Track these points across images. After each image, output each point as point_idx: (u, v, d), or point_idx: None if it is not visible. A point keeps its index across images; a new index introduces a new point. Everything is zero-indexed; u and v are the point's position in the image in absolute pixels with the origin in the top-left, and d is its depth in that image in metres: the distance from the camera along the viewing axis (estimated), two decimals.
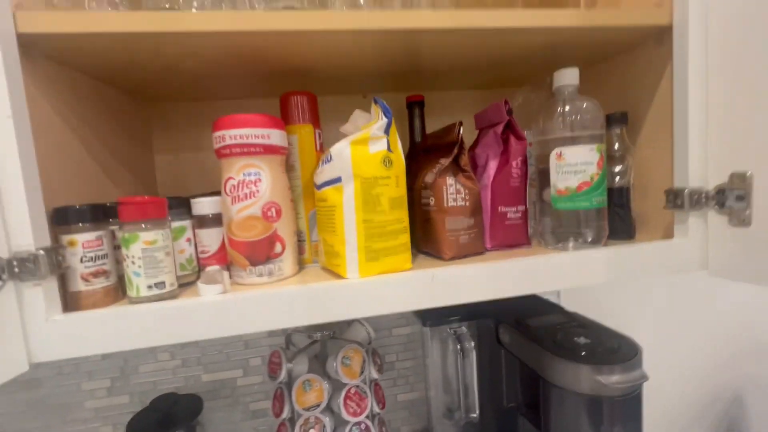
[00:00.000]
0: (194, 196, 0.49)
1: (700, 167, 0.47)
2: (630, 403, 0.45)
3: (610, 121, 0.55)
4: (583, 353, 0.47)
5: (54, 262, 0.37)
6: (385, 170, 0.43)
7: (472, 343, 0.61)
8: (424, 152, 0.58)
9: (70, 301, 0.40)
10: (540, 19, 0.47)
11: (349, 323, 0.67)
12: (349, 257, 0.43)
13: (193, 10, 0.42)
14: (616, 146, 0.55)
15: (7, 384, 0.50)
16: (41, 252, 0.36)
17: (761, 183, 0.42)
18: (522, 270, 0.46)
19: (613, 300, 0.88)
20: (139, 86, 0.58)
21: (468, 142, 0.53)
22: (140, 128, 0.64)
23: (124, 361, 0.69)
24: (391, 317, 0.77)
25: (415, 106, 0.66)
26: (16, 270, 0.35)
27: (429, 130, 0.68)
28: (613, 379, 0.44)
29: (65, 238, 0.39)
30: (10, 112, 0.34)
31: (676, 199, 0.49)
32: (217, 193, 0.48)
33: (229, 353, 0.72)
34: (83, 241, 0.40)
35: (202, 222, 0.48)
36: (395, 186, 0.44)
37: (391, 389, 0.78)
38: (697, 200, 0.47)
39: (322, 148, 0.54)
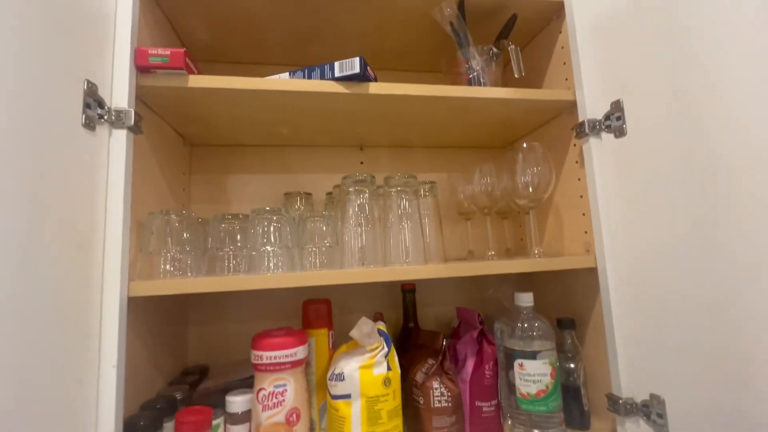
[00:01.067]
0: (227, 386, 0.60)
1: (629, 381, 0.61)
2: None
3: (561, 324, 0.70)
4: None
5: None
6: (385, 389, 0.56)
7: None
8: (416, 347, 0.71)
9: None
10: (508, 266, 0.64)
11: None
12: None
13: (243, 263, 0.58)
14: (568, 346, 0.69)
15: None
16: None
17: (672, 406, 0.55)
18: None
19: None
20: None
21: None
22: (180, 312, 0.77)
23: None
24: None
25: (408, 292, 0.81)
26: None
27: (420, 306, 0.83)
28: None
29: None
30: (116, 363, 0.47)
31: (614, 404, 0.61)
32: (245, 382, 0.59)
33: None
34: None
35: (234, 419, 0.58)
36: (392, 399, 0.56)
37: None
38: (629, 410, 0.60)
39: (334, 347, 0.67)
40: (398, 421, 0.56)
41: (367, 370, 0.56)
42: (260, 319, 0.82)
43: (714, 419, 0.48)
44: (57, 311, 0.41)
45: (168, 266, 0.57)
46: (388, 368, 0.57)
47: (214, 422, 0.57)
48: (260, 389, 0.56)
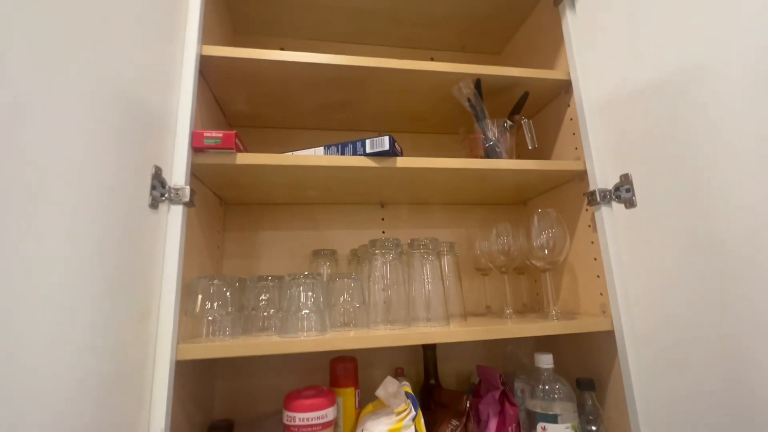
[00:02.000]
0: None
1: None
2: None
3: (581, 385, 0.71)
4: None
5: None
6: None
7: None
8: (438, 406, 0.73)
9: None
10: (524, 330, 0.67)
11: None
12: None
13: (273, 327, 0.62)
14: (588, 408, 0.70)
15: None
16: None
17: None
18: None
19: None
20: None
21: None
22: (208, 369, 0.80)
23: None
24: None
25: (429, 349, 0.83)
26: None
27: (440, 362, 0.85)
28: None
29: None
30: (163, 427, 0.50)
31: None
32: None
33: None
34: None
35: None
36: None
37: None
38: None
39: (360, 405, 0.69)
40: None
41: None
42: (286, 373, 0.84)
43: None
44: (121, 377, 0.45)
45: (210, 328, 0.61)
46: (416, 431, 0.59)
47: None
48: None
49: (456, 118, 0.89)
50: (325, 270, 0.82)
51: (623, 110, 0.68)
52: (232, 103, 0.85)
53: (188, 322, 0.61)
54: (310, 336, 0.60)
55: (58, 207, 0.35)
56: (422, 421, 0.61)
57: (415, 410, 0.60)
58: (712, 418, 0.52)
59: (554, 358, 0.68)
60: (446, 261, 0.79)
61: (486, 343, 0.94)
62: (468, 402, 0.66)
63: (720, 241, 0.51)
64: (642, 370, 0.64)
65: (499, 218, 1.02)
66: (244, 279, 0.71)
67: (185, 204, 0.58)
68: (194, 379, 0.70)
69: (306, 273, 0.65)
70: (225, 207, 0.91)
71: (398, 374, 0.83)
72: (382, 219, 0.98)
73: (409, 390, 0.63)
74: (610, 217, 0.70)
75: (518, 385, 0.75)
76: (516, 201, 1.04)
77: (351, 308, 0.68)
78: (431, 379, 0.81)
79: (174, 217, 0.57)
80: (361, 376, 0.74)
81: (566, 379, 0.68)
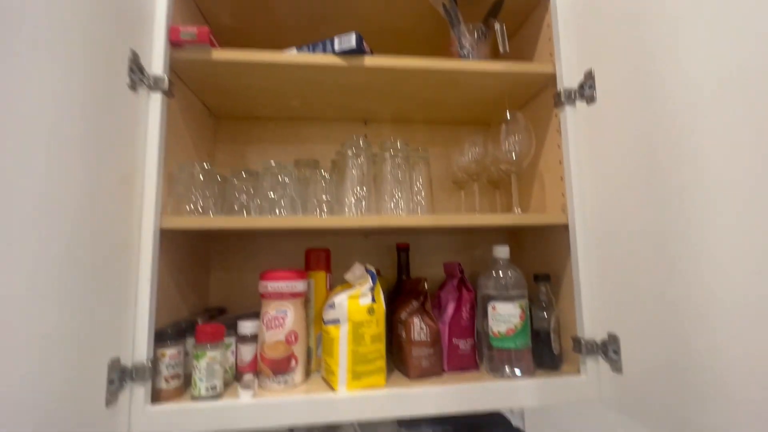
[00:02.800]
0: (239, 317, 0.72)
1: (591, 323, 0.67)
2: None
3: (538, 279, 0.76)
4: None
5: (152, 370, 0.59)
6: (369, 316, 0.65)
7: None
8: (404, 294, 0.80)
9: (155, 395, 0.60)
10: (487, 219, 0.72)
11: (341, 425, 0.83)
12: (340, 376, 0.63)
13: (253, 210, 0.69)
14: (543, 298, 0.76)
15: None
16: (149, 363, 0.57)
17: (626, 343, 0.61)
18: (459, 393, 0.64)
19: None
20: (212, 234, 0.84)
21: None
22: (204, 255, 0.89)
23: None
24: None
25: (402, 251, 0.90)
26: (134, 375, 0.56)
27: (413, 266, 0.91)
28: None
29: (159, 351, 0.61)
30: (149, 277, 0.59)
31: (578, 345, 0.68)
32: (254, 314, 0.70)
33: None
34: (170, 354, 0.62)
35: (243, 339, 0.69)
36: (375, 326, 0.65)
37: None
38: (590, 349, 0.66)
39: (331, 287, 0.76)
40: (380, 346, 0.65)
41: (354, 300, 0.65)
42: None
43: (662, 356, 0.54)
44: (110, 235, 0.53)
45: (192, 207, 0.69)
46: (373, 300, 0.66)
47: (228, 340, 0.68)
48: (265, 313, 0.67)
49: (440, 35, 0.90)
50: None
51: (593, 9, 0.68)
52: (216, 15, 0.88)
53: (177, 206, 0.68)
54: (285, 216, 0.67)
55: (38, 81, 0.41)
56: (381, 293, 0.68)
57: (373, 282, 0.66)
58: (646, 300, 0.56)
59: (519, 260, 0.74)
60: (418, 167, 0.84)
61: (457, 248, 1.00)
62: (425, 283, 0.72)
63: (670, 142, 0.52)
64: (590, 266, 0.69)
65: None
66: (225, 176, 0.78)
67: (164, 93, 0.64)
68: (188, 263, 0.79)
69: (277, 161, 0.70)
70: (216, 120, 0.97)
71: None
72: (365, 135, 1.02)
73: (372, 268, 0.69)
74: (574, 116, 0.72)
75: (481, 280, 0.81)
76: (497, 122, 1.05)
77: (324, 203, 0.74)
78: (403, 277, 0.88)
79: (154, 103, 0.63)
80: (338, 276, 0.81)
81: (527, 275, 0.73)
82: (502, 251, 0.73)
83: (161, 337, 0.62)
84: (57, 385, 0.45)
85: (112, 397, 0.53)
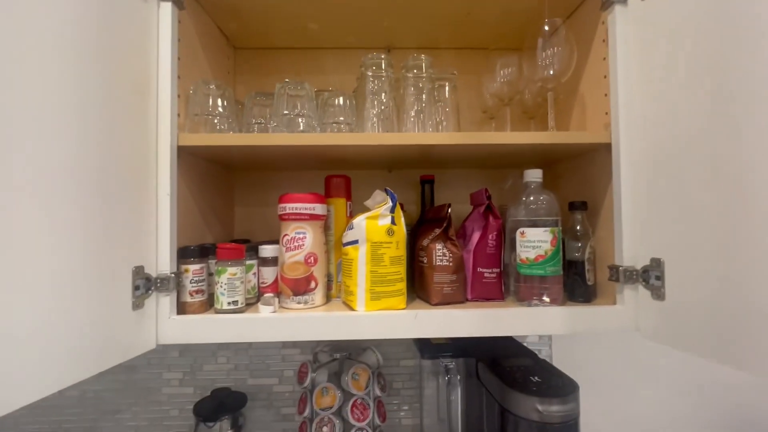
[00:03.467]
0: (261, 243, 0.72)
1: (632, 250, 0.62)
2: (567, 429, 0.57)
3: (573, 207, 0.71)
4: (532, 388, 0.60)
5: (176, 282, 0.60)
6: (388, 237, 0.62)
7: (458, 377, 0.75)
8: (426, 222, 0.76)
9: (180, 308, 0.62)
10: (519, 138, 0.66)
11: (363, 349, 0.84)
12: (359, 296, 0.62)
13: (270, 131, 0.67)
14: (578, 227, 0.70)
15: (114, 367, 0.73)
16: (172, 275, 0.59)
17: (671, 267, 0.56)
18: (482, 317, 0.61)
19: (604, 363, 0.97)
20: (232, 164, 0.84)
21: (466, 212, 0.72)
22: (227, 189, 0.90)
23: (194, 360, 0.91)
24: (399, 350, 0.93)
25: (426, 183, 0.86)
26: (159, 285, 0.58)
27: (438, 200, 0.87)
28: (552, 409, 0.57)
29: (183, 267, 0.63)
30: (169, 191, 0.59)
31: (615, 273, 0.63)
32: (276, 241, 0.70)
33: (270, 364, 0.91)
34: (193, 270, 0.63)
35: (264, 262, 0.70)
36: (395, 248, 0.63)
37: (396, 413, 0.92)
38: (629, 276, 0.61)
39: (351, 215, 0.74)
40: (399, 269, 0.63)
41: (373, 220, 0.63)
42: None
43: (712, 282, 0.48)
44: (127, 145, 0.52)
45: (210, 128, 0.67)
46: (392, 222, 0.63)
47: (250, 262, 0.69)
48: (284, 235, 0.66)
49: None
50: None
51: None
52: None
53: (194, 125, 0.67)
54: (302, 133, 0.64)
55: None
56: (401, 216, 0.65)
57: (393, 203, 0.63)
58: (697, 223, 0.50)
59: (555, 190, 0.67)
60: (445, 91, 0.77)
61: (486, 181, 0.95)
62: (449, 208, 0.68)
63: (741, 45, 0.43)
64: (634, 188, 0.62)
65: None
66: (242, 101, 0.76)
67: (174, 2, 0.61)
68: (213, 195, 0.79)
69: (291, 79, 0.67)
70: (234, 51, 0.94)
71: None
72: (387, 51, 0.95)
73: (391, 191, 0.66)
74: (624, 16, 0.63)
75: (511, 211, 0.76)
76: (531, 44, 0.95)
77: (343, 125, 0.71)
78: (427, 208, 0.85)
79: (164, 13, 0.60)
80: (357, 209, 0.79)
81: (562, 207, 0.67)
82: (533, 174, 0.67)
83: (185, 253, 0.63)
84: (85, 286, 0.46)
85: (138, 302, 0.55)
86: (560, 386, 0.60)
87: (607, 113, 0.68)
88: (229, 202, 0.91)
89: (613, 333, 0.61)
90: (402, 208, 0.88)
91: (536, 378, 0.63)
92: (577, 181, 0.78)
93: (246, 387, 0.91)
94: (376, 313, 0.61)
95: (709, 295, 0.49)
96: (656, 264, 0.57)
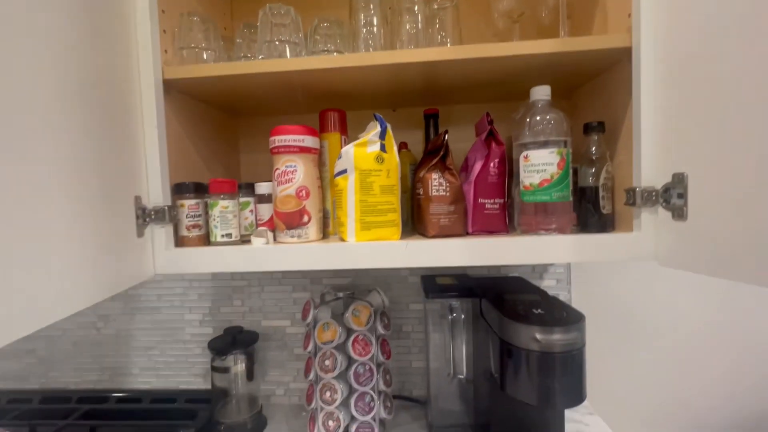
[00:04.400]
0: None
1: (652, 169, 0.54)
2: (571, 359, 0.53)
3: (588, 129, 0.63)
4: (531, 318, 0.56)
5: (172, 215, 0.61)
6: (378, 165, 0.59)
7: (462, 316, 0.73)
8: (427, 155, 0.72)
9: (178, 242, 0.64)
10: (528, 47, 0.59)
11: (369, 291, 0.83)
12: (349, 226, 0.60)
13: (260, 57, 0.64)
14: (593, 149, 0.63)
15: (141, 308, 0.77)
16: (166, 207, 0.60)
17: (694, 182, 0.48)
18: (478, 245, 0.58)
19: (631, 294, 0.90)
20: (229, 106, 0.83)
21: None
22: (230, 135, 0.90)
23: (212, 302, 0.95)
24: (408, 293, 0.91)
25: (431, 117, 0.80)
26: (153, 216, 0.59)
27: None
28: (554, 338, 0.53)
29: (179, 202, 0.64)
30: (155, 124, 0.59)
31: (632, 197, 0.56)
32: None
33: (282, 306, 0.94)
34: (189, 205, 0.64)
35: (261, 199, 0.69)
36: (386, 177, 0.60)
37: (406, 356, 0.93)
38: (648, 198, 0.54)
39: None
40: (391, 198, 0.60)
41: (361, 147, 0.60)
42: None
43: (736, 194, 0.41)
44: (113, 75, 0.52)
45: (197, 58, 0.66)
46: (382, 149, 0.60)
47: (246, 199, 0.69)
48: (276, 169, 0.65)
49: None
50: None
51: None
52: None
53: (181, 60, 0.66)
54: (290, 59, 0.61)
55: None
56: (393, 143, 0.62)
57: (382, 128, 0.60)
58: (724, 134, 0.42)
59: (573, 117, 0.60)
60: (447, 13, 0.71)
61: (495, 115, 0.87)
62: (446, 136, 0.63)
63: None
64: (657, 101, 0.53)
65: None
66: (227, 36, 0.73)
67: None
68: (213, 138, 0.80)
69: (276, 4, 0.63)
70: None
71: (401, 148, 0.84)
72: None
73: (381, 117, 0.62)
74: None
75: (515, 135, 0.69)
76: None
77: (335, 54, 0.67)
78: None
79: None
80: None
81: (561, 112, 0.60)
82: (541, 91, 0.61)
83: (180, 189, 0.64)
84: (97, 214, 0.48)
85: (140, 231, 0.57)
86: (563, 317, 0.56)
87: (629, 15, 0.58)
88: (234, 149, 0.91)
89: (629, 262, 0.55)
90: (406, 146, 0.85)
91: (539, 310, 0.59)
92: (597, 107, 0.70)
93: (260, 328, 0.94)
94: (367, 243, 0.59)
95: (736, 211, 0.42)
96: (679, 180, 0.50)
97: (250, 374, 0.86)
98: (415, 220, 0.71)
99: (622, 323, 0.90)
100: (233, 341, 0.82)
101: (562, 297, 0.89)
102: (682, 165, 0.50)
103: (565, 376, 0.54)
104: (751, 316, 0.88)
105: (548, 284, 0.90)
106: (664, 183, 0.53)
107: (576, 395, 0.55)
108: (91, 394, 0.96)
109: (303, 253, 0.60)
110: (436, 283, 0.78)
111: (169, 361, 0.97)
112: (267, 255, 0.60)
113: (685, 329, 0.89)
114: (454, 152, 0.68)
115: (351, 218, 0.60)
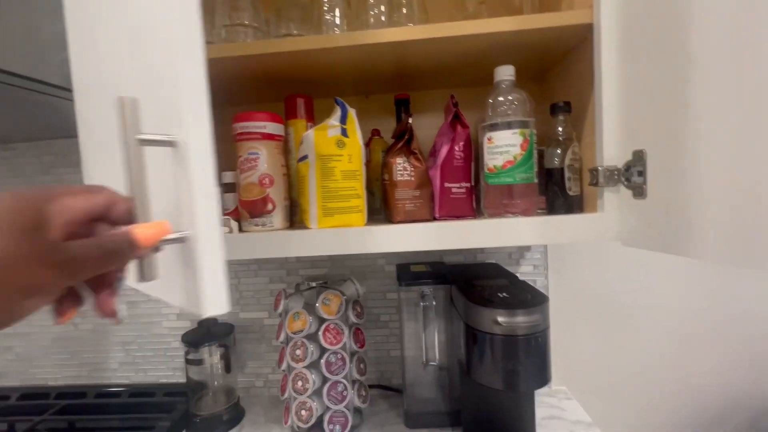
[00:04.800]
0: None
1: (614, 147, 0.53)
2: (534, 341, 0.53)
3: (555, 109, 0.62)
4: (495, 302, 0.56)
5: None
6: (339, 150, 0.58)
7: (434, 302, 0.72)
8: (393, 141, 0.71)
9: None
10: (492, 25, 0.57)
11: (343, 280, 0.82)
12: (311, 213, 0.59)
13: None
14: (560, 131, 0.62)
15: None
16: None
17: (653, 159, 0.47)
18: (441, 229, 0.57)
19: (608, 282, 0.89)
20: None
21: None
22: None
23: None
24: (384, 282, 0.91)
25: (401, 103, 0.79)
26: None
27: (415, 124, 0.81)
28: (517, 320, 0.53)
29: None
30: None
31: (595, 176, 0.55)
32: None
33: (260, 298, 0.93)
34: None
35: (226, 188, 0.69)
36: (348, 162, 0.59)
37: (384, 345, 0.92)
38: (610, 177, 0.53)
39: None
40: (354, 184, 0.59)
41: (321, 131, 0.59)
42: None
43: (689, 171, 0.41)
44: None
45: None
46: (344, 133, 0.59)
47: None
48: (239, 156, 0.64)
49: None
50: None
51: None
52: None
53: None
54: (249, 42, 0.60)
55: None
56: (356, 128, 0.61)
57: (342, 112, 0.59)
58: (679, 112, 0.41)
59: (542, 95, 0.59)
60: None
61: (467, 107, 0.86)
62: (410, 120, 0.62)
63: None
64: (619, 79, 0.53)
65: None
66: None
67: None
68: None
69: None
70: None
71: (374, 135, 0.82)
72: None
73: (341, 100, 0.61)
74: None
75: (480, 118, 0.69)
76: None
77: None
78: None
79: None
80: None
81: (525, 92, 0.59)
82: (504, 71, 0.60)
83: None
84: None
85: None
86: (526, 299, 0.56)
87: None
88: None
89: (592, 242, 0.55)
90: (378, 134, 0.84)
91: (504, 294, 0.58)
92: (567, 89, 0.68)
93: (238, 320, 0.93)
94: (330, 230, 0.58)
95: (691, 188, 0.41)
96: (638, 157, 0.49)
97: (227, 366, 0.86)
98: (384, 206, 0.70)
99: (601, 308, 0.89)
100: (207, 333, 0.82)
101: (539, 283, 0.88)
102: (642, 142, 0.49)
103: (529, 359, 0.53)
104: (732, 301, 0.88)
105: (525, 270, 0.89)
106: (625, 161, 0.52)
107: (541, 378, 0.55)
108: (69, 390, 0.96)
109: (265, 240, 0.59)
110: (410, 271, 0.78)
111: (147, 356, 0.97)
112: (229, 244, 0.59)
113: (664, 314, 0.89)
114: (427, 139, 0.67)
115: (313, 205, 0.59)
